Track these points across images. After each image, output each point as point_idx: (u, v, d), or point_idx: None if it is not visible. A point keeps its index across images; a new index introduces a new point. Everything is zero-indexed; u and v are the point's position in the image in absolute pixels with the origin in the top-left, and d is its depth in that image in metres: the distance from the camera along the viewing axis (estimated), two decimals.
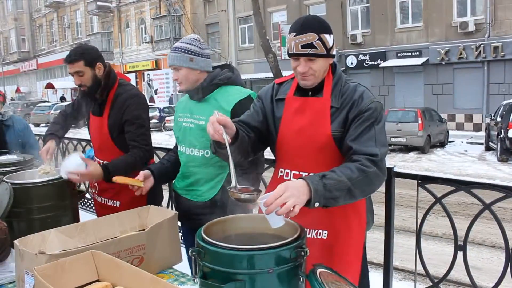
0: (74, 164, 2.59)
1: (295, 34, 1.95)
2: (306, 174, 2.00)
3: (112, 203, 3.01)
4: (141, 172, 2.55)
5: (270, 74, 20.31)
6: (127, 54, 37.10)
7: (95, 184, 3.05)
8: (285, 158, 2.14)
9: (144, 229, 2.31)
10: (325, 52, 1.96)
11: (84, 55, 2.86)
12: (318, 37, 1.93)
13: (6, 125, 4.26)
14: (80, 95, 3.14)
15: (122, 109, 2.88)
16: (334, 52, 2.03)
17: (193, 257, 1.53)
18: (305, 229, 1.67)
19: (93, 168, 2.62)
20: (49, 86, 39.64)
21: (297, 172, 2.07)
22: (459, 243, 2.63)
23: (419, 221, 2.81)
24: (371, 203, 2.18)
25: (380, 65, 23.79)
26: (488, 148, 16.70)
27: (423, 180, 2.70)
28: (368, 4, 24.26)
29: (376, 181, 1.86)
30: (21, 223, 2.55)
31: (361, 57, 24.42)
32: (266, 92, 2.24)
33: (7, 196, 2.42)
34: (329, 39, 1.97)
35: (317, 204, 1.66)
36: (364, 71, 24.35)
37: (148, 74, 35.80)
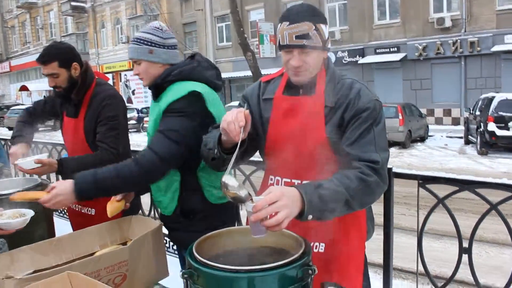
0: (30, 164, 2.44)
1: (288, 23, 1.74)
2: (299, 182, 1.81)
3: (87, 210, 2.79)
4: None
5: (249, 73, 20.16)
6: (103, 54, 36.47)
7: None
8: (275, 164, 1.93)
9: (126, 242, 2.11)
10: (320, 44, 1.75)
11: (58, 55, 2.63)
12: (314, 27, 1.73)
13: None
14: (53, 94, 2.91)
15: (98, 110, 2.65)
16: (328, 45, 1.83)
17: (184, 280, 1.34)
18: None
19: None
20: (23, 88, 38.73)
21: (289, 180, 1.86)
22: (464, 245, 2.49)
23: (420, 222, 2.65)
24: (371, 210, 1.99)
25: (358, 62, 23.82)
26: (467, 142, 16.85)
27: (424, 181, 2.54)
28: (346, 1, 24.26)
29: (377, 191, 1.68)
30: None
31: (339, 54, 24.39)
32: (252, 91, 2.02)
33: None
34: (325, 30, 1.77)
35: (310, 217, 1.47)
36: (343, 68, 24.03)
37: (125, 75, 35.21)
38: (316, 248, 1.84)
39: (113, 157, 2.60)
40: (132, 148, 2.95)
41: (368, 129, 1.72)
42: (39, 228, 2.40)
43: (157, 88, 2.21)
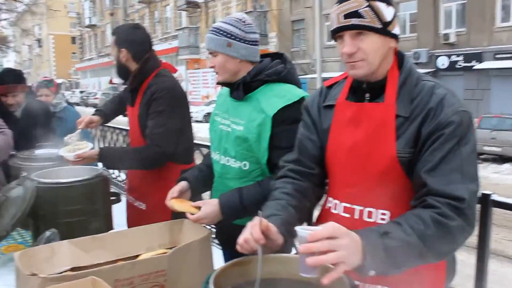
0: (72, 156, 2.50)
1: (338, 3, 1.44)
2: (361, 208, 1.49)
3: (138, 204, 2.69)
4: (176, 187, 2.09)
5: None
6: None
7: (126, 181, 2.76)
8: (334, 184, 1.63)
9: (174, 247, 1.94)
10: (379, 25, 1.41)
11: (116, 32, 2.66)
12: (367, 3, 1.40)
13: (58, 117, 4.10)
14: None
15: (150, 102, 2.53)
16: (396, 31, 1.47)
17: None
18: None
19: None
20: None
21: (349, 205, 1.54)
22: None
23: None
24: None
25: (474, 67, 22.08)
26: None
27: None
28: (465, 1, 22.62)
29: (460, 238, 1.32)
30: (48, 227, 2.26)
31: (453, 58, 22.79)
32: (313, 99, 1.72)
33: (28, 196, 2.13)
34: (384, 9, 1.43)
35: (372, 273, 1.18)
36: (457, 73, 22.70)
37: None
38: None
39: (156, 155, 2.47)
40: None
41: (452, 151, 1.35)
42: (97, 220, 2.32)
43: (245, 86, 1.99)
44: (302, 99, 1.90)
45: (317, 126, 1.67)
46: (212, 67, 2.06)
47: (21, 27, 40.66)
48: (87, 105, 39.58)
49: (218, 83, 2.11)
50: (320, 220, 1.70)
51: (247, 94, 2.00)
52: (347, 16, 1.42)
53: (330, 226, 1.15)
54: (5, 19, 35.20)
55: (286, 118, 1.89)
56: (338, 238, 1.12)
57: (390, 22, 1.45)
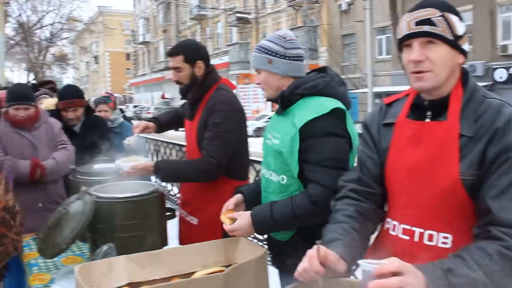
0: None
1: (409, 11, 1.42)
2: (421, 231, 1.42)
3: (190, 219, 2.69)
4: (232, 199, 2.13)
5: (408, 87, 19.12)
6: None
7: (180, 195, 2.78)
8: (393, 205, 1.57)
9: (230, 265, 1.91)
10: (450, 37, 1.36)
11: (185, 50, 2.62)
12: (441, 14, 1.36)
13: (116, 132, 4.20)
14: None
15: (208, 114, 2.54)
16: (465, 47, 1.42)
17: None
18: None
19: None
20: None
21: (408, 227, 1.48)
22: None
23: None
24: None
25: None
26: None
27: None
28: None
29: None
30: (105, 241, 2.30)
31: None
32: (373, 117, 1.67)
33: (87, 210, 2.18)
34: (457, 22, 1.39)
35: None
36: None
37: None
38: None
39: (210, 167, 2.47)
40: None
41: None
42: (152, 235, 2.34)
43: (284, 100, 2.00)
44: (333, 110, 1.88)
45: (376, 144, 1.62)
46: (258, 84, 2.10)
47: (80, 45, 42.48)
48: (140, 119, 40.63)
49: (265, 97, 2.12)
50: (378, 242, 1.64)
51: (287, 108, 2.01)
52: (419, 23, 1.38)
53: (396, 261, 1.11)
54: (65, 38, 36.94)
55: (315, 131, 1.87)
56: (404, 274, 1.08)
57: (461, 37, 1.41)
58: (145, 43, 57.22)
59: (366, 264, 1.14)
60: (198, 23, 45.87)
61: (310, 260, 1.32)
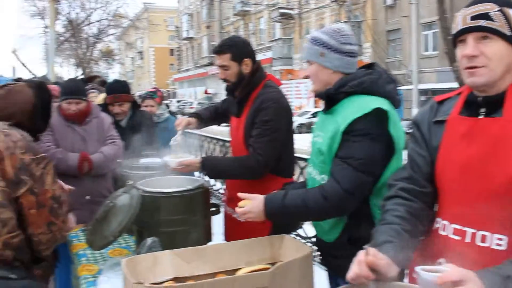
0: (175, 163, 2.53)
1: (466, 6, 1.38)
2: (473, 231, 1.37)
3: (237, 216, 2.67)
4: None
5: (455, 85, 18.56)
6: None
7: (226, 191, 2.77)
8: (443, 204, 1.52)
9: (276, 263, 1.90)
10: (508, 32, 1.31)
11: (232, 48, 2.58)
12: (499, 8, 1.32)
13: (162, 127, 4.25)
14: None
15: (256, 112, 2.52)
16: None
17: None
18: None
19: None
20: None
21: (460, 227, 1.43)
22: None
23: None
24: None
25: None
26: None
27: None
28: None
29: None
30: (151, 235, 2.33)
31: None
32: (423, 115, 1.62)
33: (134, 203, 2.21)
34: None
35: None
36: None
37: None
38: None
39: (257, 164, 2.45)
40: None
41: None
42: (196, 230, 2.35)
43: (329, 98, 1.96)
44: (375, 110, 1.82)
45: (427, 142, 1.57)
46: (307, 76, 2.05)
47: (125, 41, 43.35)
48: (183, 114, 41.21)
49: (315, 95, 2.07)
50: (427, 242, 1.59)
51: (332, 107, 1.96)
52: (475, 17, 1.35)
53: (458, 270, 1.08)
54: (112, 34, 37.81)
55: (352, 130, 1.83)
56: (466, 282, 1.05)
57: None
58: (188, 38, 57.88)
59: (426, 273, 1.11)
60: (241, 19, 46.04)
61: (359, 265, 1.29)
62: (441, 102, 1.60)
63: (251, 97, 2.60)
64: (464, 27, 1.37)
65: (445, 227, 1.48)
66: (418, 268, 1.15)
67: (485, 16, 1.33)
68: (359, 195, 1.84)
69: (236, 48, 2.59)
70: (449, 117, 1.50)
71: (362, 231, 1.88)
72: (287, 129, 2.60)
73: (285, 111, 2.60)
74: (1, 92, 2.07)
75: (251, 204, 1.97)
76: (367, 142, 1.81)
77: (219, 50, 2.60)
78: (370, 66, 2.04)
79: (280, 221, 2.12)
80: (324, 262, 2.14)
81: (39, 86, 2.23)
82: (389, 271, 1.30)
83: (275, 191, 2.06)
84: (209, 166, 2.57)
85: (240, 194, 2.02)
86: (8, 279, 1.62)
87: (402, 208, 1.52)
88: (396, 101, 1.94)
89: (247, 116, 2.59)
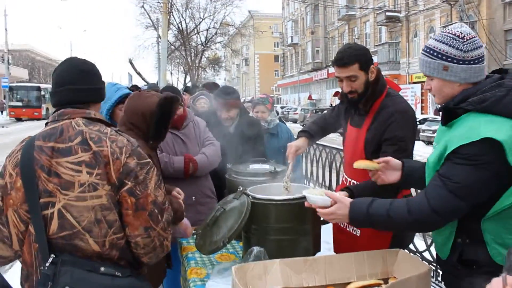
0: (320, 198, 1.94)
1: None
2: None
3: (352, 229, 2.55)
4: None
5: None
6: (414, 64, 36.12)
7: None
8: None
9: (388, 279, 1.80)
10: None
11: (359, 56, 2.44)
12: None
13: (272, 133, 4.26)
14: (340, 101, 2.78)
15: (385, 125, 2.40)
16: None
17: None
18: None
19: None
20: (336, 94, 41.40)
21: None
22: None
23: None
24: None
25: None
26: None
27: None
28: None
29: None
30: (259, 242, 2.31)
31: None
32: None
33: (244, 210, 2.21)
34: None
35: None
36: None
37: None
38: None
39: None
40: None
41: None
42: (305, 240, 2.30)
43: (448, 112, 1.77)
44: (484, 140, 1.59)
45: None
46: (428, 89, 1.87)
47: (231, 48, 44.64)
48: (287, 119, 41.64)
49: (437, 104, 1.90)
50: None
51: (451, 121, 1.76)
52: None
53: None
54: (219, 42, 39.24)
55: (459, 153, 1.65)
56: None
57: None
58: (293, 45, 58.26)
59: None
60: (346, 23, 45.45)
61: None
62: None
63: (373, 107, 2.49)
64: None
65: None
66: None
67: None
68: (447, 217, 1.71)
69: (363, 57, 2.45)
70: None
71: (475, 255, 1.74)
72: (413, 140, 2.47)
73: (414, 122, 2.50)
74: (136, 94, 2.59)
75: (337, 206, 1.87)
76: (469, 168, 1.63)
77: (346, 62, 2.43)
78: (501, 72, 1.80)
79: (361, 226, 2.06)
80: (444, 281, 1.99)
81: (165, 98, 2.47)
82: None
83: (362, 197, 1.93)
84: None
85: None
86: (114, 276, 1.67)
87: None
88: None
89: (370, 127, 2.48)
